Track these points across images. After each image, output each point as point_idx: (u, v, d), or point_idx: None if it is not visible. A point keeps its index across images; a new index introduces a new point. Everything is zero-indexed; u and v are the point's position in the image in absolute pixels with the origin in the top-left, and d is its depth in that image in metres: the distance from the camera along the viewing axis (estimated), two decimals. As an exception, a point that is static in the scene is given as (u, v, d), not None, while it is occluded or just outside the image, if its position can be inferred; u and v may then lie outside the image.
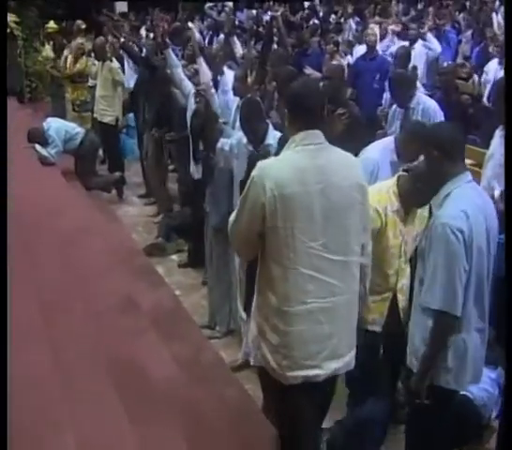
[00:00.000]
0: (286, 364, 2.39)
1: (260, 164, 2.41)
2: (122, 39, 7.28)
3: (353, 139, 3.55)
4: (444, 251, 2.39)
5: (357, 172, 2.45)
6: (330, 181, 2.33)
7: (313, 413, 2.56)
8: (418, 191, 2.84)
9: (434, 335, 2.46)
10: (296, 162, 2.36)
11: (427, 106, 4.67)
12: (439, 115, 4.64)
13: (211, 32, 11.03)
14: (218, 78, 5.42)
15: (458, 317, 2.41)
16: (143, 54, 7.11)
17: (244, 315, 3.64)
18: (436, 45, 7.63)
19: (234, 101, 4.99)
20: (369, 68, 6.94)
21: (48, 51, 9.48)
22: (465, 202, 2.44)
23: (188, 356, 3.73)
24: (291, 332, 2.37)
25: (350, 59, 8.45)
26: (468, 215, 2.39)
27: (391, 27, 8.80)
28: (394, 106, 4.99)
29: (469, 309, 2.46)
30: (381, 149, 3.63)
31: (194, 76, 5.56)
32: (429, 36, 7.63)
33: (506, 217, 2.63)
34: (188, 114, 5.38)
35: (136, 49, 7.48)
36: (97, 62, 7.70)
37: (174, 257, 5.75)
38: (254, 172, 2.38)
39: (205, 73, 5.25)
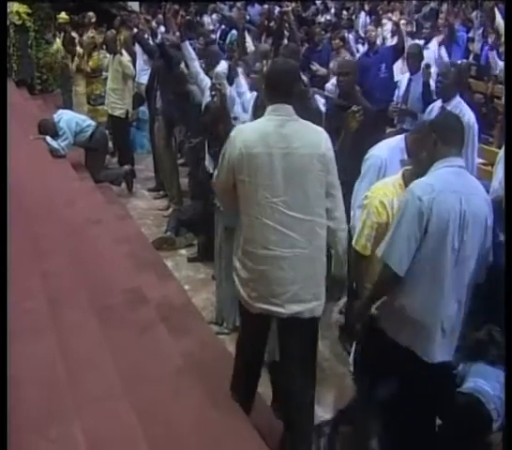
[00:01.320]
0: (254, 295, 2.81)
1: (236, 128, 2.89)
2: (135, 30, 7.24)
3: (367, 135, 3.53)
4: (401, 213, 2.64)
5: (320, 144, 2.70)
6: (292, 147, 2.66)
7: (261, 342, 2.99)
8: (418, 177, 2.87)
9: (376, 282, 2.77)
10: (264, 128, 2.73)
11: (462, 114, 4.37)
12: (474, 128, 4.41)
13: (223, 26, 10.97)
14: (233, 73, 5.39)
15: (399, 276, 2.62)
16: (157, 40, 7.03)
17: None
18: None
19: (251, 98, 4.96)
20: (374, 62, 6.92)
21: (58, 43, 9.44)
22: (437, 179, 2.64)
23: (195, 352, 3.71)
24: (256, 270, 2.78)
25: (360, 53, 8.43)
26: (434, 189, 2.58)
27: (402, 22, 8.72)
28: (432, 104, 4.86)
29: (417, 277, 2.63)
30: (389, 148, 3.61)
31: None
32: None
33: (506, 217, 2.69)
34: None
35: (150, 41, 7.44)
36: (108, 55, 7.67)
37: (184, 251, 5.72)
38: (231, 133, 2.80)
39: (221, 65, 5.22)
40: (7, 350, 2.54)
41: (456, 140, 2.74)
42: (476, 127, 4.43)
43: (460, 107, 4.54)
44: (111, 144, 7.84)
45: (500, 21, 7.65)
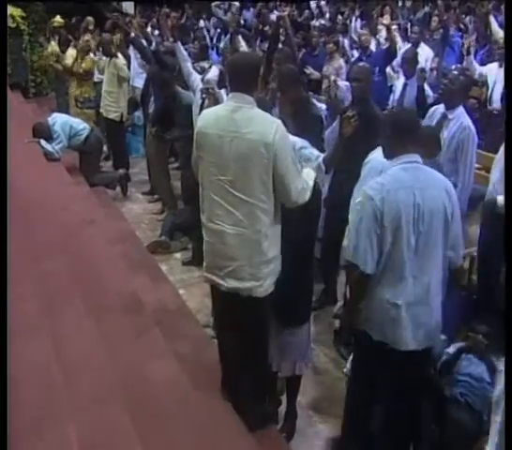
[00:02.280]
0: (204, 265, 3.11)
1: (203, 111, 3.18)
2: (132, 34, 7.25)
3: (363, 140, 3.55)
4: (359, 215, 2.79)
5: (269, 133, 2.78)
6: (240, 132, 2.82)
7: (224, 315, 3.21)
8: None
9: (350, 284, 2.93)
10: (219, 112, 2.96)
11: (463, 126, 4.32)
12: (472, 141, 4.29)
13: (219, 30, 11.02)
14: (225, 78, 5.40)
15: (368, 274, 2.75)
16: (152, 48, 7.07)
17: None
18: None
19: None
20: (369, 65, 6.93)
21: (53, 46, 9.46)
22: (389, 177, 2.79)
23: (190, 355, 3.71)
24: (206, 241, 3.05)
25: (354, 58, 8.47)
26: (384, 187, 2.72)
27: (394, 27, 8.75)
28: (434, 108, 4.72)
29: (380, 269, 2.76)
30: None
31: (202, 73, 5.56)
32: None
33: (506, 217, 2.72)
34: (195, 110, 5.37)
35: (146, 44, 7.46)
36: (104, 57, 7.69)
37: (178, 255, 5.74)
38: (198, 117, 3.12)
39: (212, 71, 5.25)
40: (7, 350, 2.55)
41: (412, 136, 2.86)
42: (476, 142, 4.32)
43: (462, 119, 4.38)
44: (105, 148, 7.87)
45: (497, 29, 7.66)
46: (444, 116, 4.47)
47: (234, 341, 3.17)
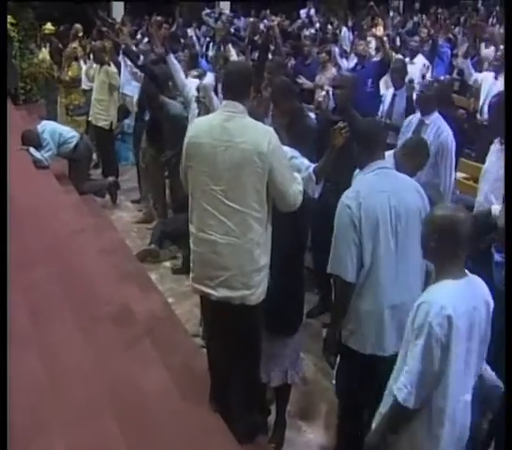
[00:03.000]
0: (193, 276, 3.09)
1: (194, 120, 3.27)
2: (123, 45, 7.25)
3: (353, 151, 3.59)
4: (336, 224, 2.85)
5: (263, 142, 2.82)
6: (234, 141, 2.84)
7: (215, 325, 3.23)
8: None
9: (334, 295, 2.94)
10: (212, 121, 2.98)
11: (440, 130, 4.50)
12: (451, 144, 4.45)
13: (208, 39, 11.07)
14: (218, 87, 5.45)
15: (350, 283, 2.79)
16: (139, 62, 7.09)
17: None
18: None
19: None
20: (361, 77, 6.96)
21: (44, 53, 9.46)
22: (363, 184, 2.89)
23: (180, 365, 3.72)
24: (196, 252, 3.04)
25: (343, 67, 8.53)
26: (359, 194, 2.79)
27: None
28: (410, 117, 4.91)
29: (372, 282, 2.79)
30: None
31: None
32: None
33: (506, 218, 2.81)
34: (192, 120, 5.39)
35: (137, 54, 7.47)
36: (95, 65, 7.69)
37: (168, 264, 5.73)
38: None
39: (208, 77, 5.27)
40: (6, 353, 2.53)
41: (377, 144, 2.97)
42: (454, 144, 4.48)
43: (439, 124, 4.58)
44: (95, 156, 7.86)
45: (471, 72, 7.69)
46: (421, 122, 4.66)
47: (225, 351, 3.18)
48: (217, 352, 3.26)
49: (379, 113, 6.05)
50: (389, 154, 3.77)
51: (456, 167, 6.19)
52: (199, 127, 3.03)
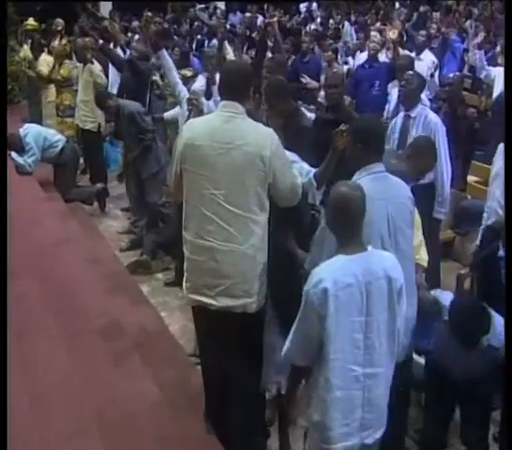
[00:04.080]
0: (188, 286, 3.11)
1: (188, 121, 3.33)
2: (100, 41, 7.31)
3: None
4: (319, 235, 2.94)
5: (265, 145, 2.91)
6: (235, 144, 2.90)
7: (211, 338, 3.22)
8: None
9: None
10: (211, 122, 3.04)
11: (429, 119, 4.71)
12: (441, 131, 4.66)
13: (200, 36, 11.13)
14: (212, 88, 5.48)
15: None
16: (126, 57, 7.17)
17: None
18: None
19: None
20: (368, 76, 7.05)
21: (26, 50, 9.48)
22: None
23: (172, 383, 3.73)
24: (191, 259, 3.07)
25: (350, 65, 8.59)
26: None
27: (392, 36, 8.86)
28: (395, 118, 5.03)
29: None
30: None
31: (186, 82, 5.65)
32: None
33: (506, 219, 2.89)
34: (181, 122, 5.44)
35: (118, 51, 7.52)
36: (78, 64, 7.72)
37: (160, 275, 5.75)
38: (183, 127, 3.21)
39: (199, 81, 5.32)
40: (6, 352, 2.54)
41: (377, 146, 2.99)
42: (443, 130, 4.67)
43: (425, 113, 4.76)
44: (82, 161, 7.89)
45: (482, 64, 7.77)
46: (407, 117, 4.81)
47: (223, 365, 3.20)
48: (213, 366, 3.28)
49: (384, 114, 6.09)
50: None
51: (467, 169, 6.25)
52: (196, 128, 3.07)
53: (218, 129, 2.96)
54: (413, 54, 7.63)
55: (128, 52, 7.44)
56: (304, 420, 2.95)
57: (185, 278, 3.15)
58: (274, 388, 3.37)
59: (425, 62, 7.88)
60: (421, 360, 3.44)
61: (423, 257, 3.51)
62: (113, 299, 4.64)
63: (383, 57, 7.88)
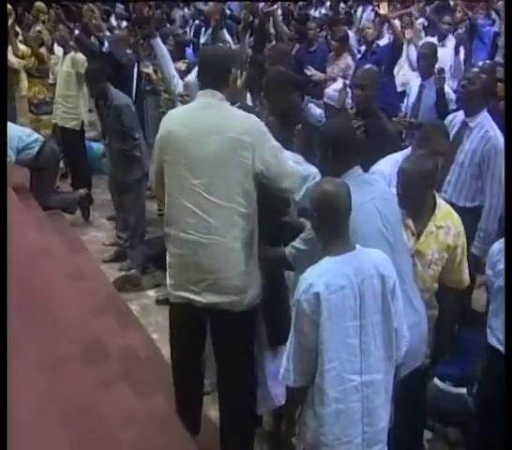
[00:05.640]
0: (171, 283, 3.32)
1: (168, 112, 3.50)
2: (76, 31, 7.30)
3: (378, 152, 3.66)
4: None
5: (246, 130, 3.06)
6: (213, 130, 3.07)
7: (194, 337, 3.43)
8: None
9: None
10: (189, 110, 3.29)
11: (489, 135, 4.45)
12: (500, 154, 4.32)
13: (197, 22, 11.16)
14: None
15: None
16: (104, 49, 7.18)
17: None
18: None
19: None
20: (374, 64, 7.01)
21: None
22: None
23: (164, 415, 3.71)
24: (174, 254, 3.27)
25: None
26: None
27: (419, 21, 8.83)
28: (451, 117, 4.82)
29: None
30: (395, 162, 3.79)
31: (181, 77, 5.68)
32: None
33: (506, 218, 2.97)
34: None
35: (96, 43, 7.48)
36: (59, 54, 7.73)
37: (151, 293, 5.76)
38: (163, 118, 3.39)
39: (194, 73, 5.33)
40: (6, 356, 2.53)
41: (354, 149, 3.09)
42: (502, 152, 4.31)
43: (487, 126, 4.51)
44: (62, 164, 7.91)
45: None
46: (464, 125, 4.57)
47: (197, 366, 3.48)
48: (186, 365, 3.54)
49: (403, 109, 6.08)
50: (408, 151, 3.94)
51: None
52: (173, 117, 3.29)
53: (196, 117, 3.16)
54: (435, 40, 7.63)
55: (106, 44, 7.40)
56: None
57: (168, 274, 3.35)
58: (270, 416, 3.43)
59: (449, 49, 7.87)
60: (451, 388, 3.45)
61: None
62: (99, 320, 4.63)
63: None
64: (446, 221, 3.40)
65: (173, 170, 3.19)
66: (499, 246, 3.23)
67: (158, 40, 5.72)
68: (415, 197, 3.31)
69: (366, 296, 2.62)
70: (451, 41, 8.09)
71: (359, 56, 7.92)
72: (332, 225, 2.66)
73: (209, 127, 3.09)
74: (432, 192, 3.43)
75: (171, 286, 3.34)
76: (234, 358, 3.35)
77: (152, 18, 6.19)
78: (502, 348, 3.13)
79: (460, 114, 4.72)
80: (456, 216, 3.48)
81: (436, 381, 3.92)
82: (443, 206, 3.46)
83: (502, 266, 3.14)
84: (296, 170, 3.27)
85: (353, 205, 2.85)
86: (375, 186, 3.13)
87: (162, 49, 5.72)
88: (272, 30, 10.09)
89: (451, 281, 3.47)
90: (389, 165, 3.86)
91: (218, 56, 3.27)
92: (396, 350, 2.74)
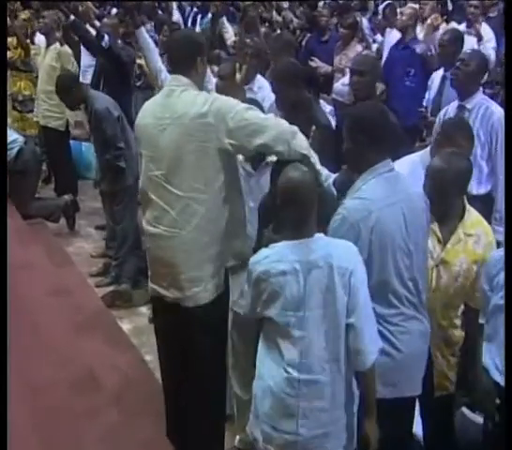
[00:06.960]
0: (149, 274, 3.55)
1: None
2: (72, 17, 7.27)
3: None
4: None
5: (206, 111, 3.15)
6: (174, 117, 3.22)
7: (166, 332, 3.61)
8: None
9: None
10: (157, 99, 3.43)
11: (490, 112, 4.56)
12: (501, 128, 4.46)
13: (195, 10, 11.21)
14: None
15: None
16: (103, 43, 7.17)
17: (239, 392, 3.92)
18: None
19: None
20: (401, 61, 6.93)
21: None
22: (370, 195, 2.93)
23: (159, 445, 3.69)
24: (147, 248, 3.59)
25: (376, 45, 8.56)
26: (370, 210, 2.88)
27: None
28: (446, 108, 4.95)
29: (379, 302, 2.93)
30: (411, 163, 3.87)
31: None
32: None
33: (506, 218, 3.04)
34: None
35: (93, 33, 7.49)
36: (42, 45, 7.74)
37: (144, 309, 5.73)
38: None
39: None
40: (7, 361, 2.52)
41: (386, 139, 3.03)
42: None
43: (486, 104, 4.64)
44: (45, 167, 7.90)
45: None
46: (461, 108, 4.67)
47: (177, 367, 3.52)
48: (167, 366, 3.65)
49: (424, 102, 6.05)
50: (426, 151, 3.99)
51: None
52: (145, 107, 3.47)
53: (159, 105, 3.34)
54: (462, 27, 7.57)
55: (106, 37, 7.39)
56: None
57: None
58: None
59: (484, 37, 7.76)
60: (479, 418, 3.45)
61: None
62: (86, 340, 4.63)
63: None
64: (477, 229, 3.36)
65: (143, 162, 3.37)
66: (498, 253, 3.16)
67: (143, 31, 5.64)
68: (446, 198, 3.28)
69: (313, 287, 2.69)
70: (484, 29, 7.85)
71: (392, 45, 7.65)
72: (291, 211, 2.76)
73: (169, 115, 3.24)
74: (462, 196, 3.40)
75: (149, 278, 3.54)
76: (201, 359, 3.46)
77: (130, 7, 6.15)
78: (500, 379, 3.03)
79: (452, 105, 4.85)
80: (486, 224, 3.45)
81: (464, 409, 3.86)
82: (472, 213, 3.42)
83: (501, 279, 3.05)
84: (273, 122, 3.26)
85: (380, 205, 2.90)
86: (406, 185, 3.10)
87: (146, 39, 5.65)
88: (278, 18, 10.15)
89: (478, 303, 3.33)
90: (407, 165, 3.82)
91: (184, 39, 3.46)
92: (356, 354, 2.73)
